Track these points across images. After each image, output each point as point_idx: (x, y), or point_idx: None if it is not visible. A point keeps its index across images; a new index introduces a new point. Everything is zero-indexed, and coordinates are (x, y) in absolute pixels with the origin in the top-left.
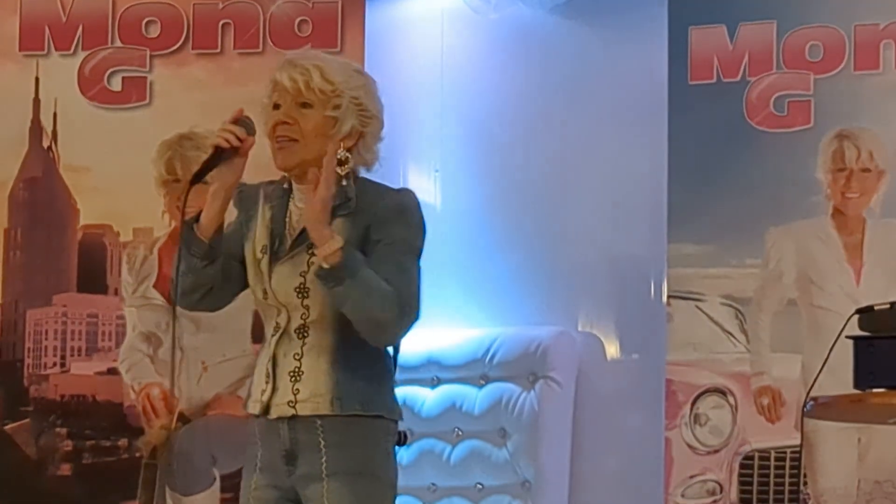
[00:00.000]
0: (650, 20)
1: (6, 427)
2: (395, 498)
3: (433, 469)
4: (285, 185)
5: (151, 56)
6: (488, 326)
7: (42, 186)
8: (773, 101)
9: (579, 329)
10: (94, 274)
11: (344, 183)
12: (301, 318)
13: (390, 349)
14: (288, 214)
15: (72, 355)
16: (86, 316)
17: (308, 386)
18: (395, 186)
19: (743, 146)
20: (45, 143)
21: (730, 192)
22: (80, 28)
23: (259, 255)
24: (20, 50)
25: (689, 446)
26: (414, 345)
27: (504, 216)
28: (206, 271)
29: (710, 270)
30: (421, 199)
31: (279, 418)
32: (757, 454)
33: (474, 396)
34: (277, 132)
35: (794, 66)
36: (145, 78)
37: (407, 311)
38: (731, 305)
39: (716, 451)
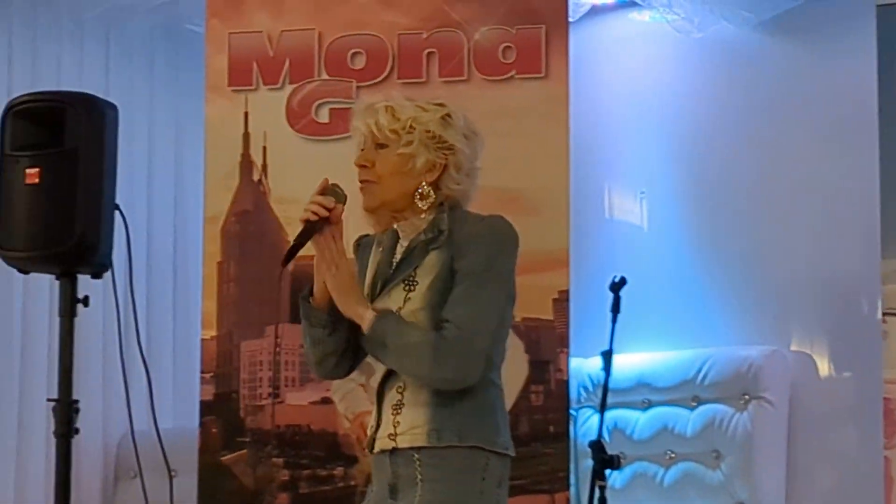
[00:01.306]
0: (858, 34)
1: (224, 458)
2: None
3: (646, 492)
4: (392, 228)
5: (358, 87)
6: (698, 347)
7: (253, 219)
8: None
9: (791, 348)
10: None
11: (424, 213)
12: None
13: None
14: (395, 255)
15: (286, 385)
16: (298, 346)
17: (407, 418)
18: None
19: None
20: (256, 177)
21: None
22: (287, 62)
23: (366, 296)
24: (229, 85)
25: None
26: (624, 367)
27: (712, 235)
28: (332, 339)
29: None
30: (627, 219)
31: (382, 451)
32: None
33: (686, 418)
34: (359, 176)
35: None
36: (352, 109)
37: (461, 350)
38: None
39: None
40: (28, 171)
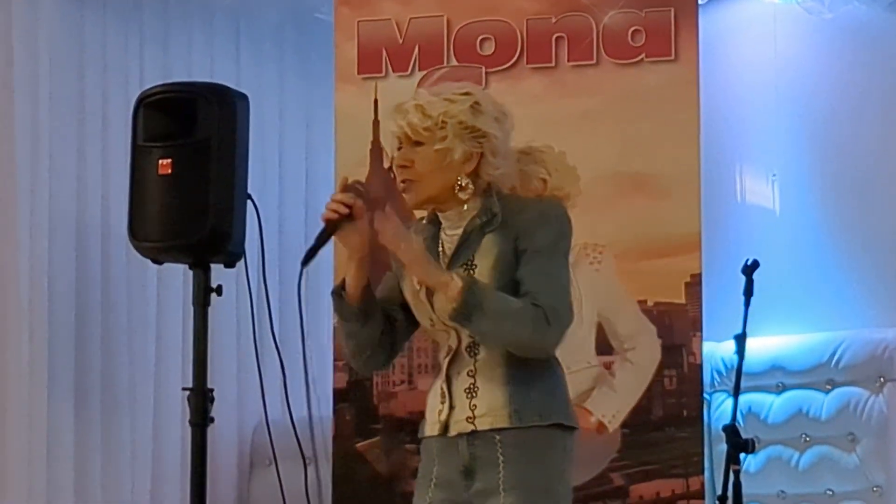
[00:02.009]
0: None
1: (358, 445)
2: None
3: (782, 476)
4: (433, 217)
5: (487, 73)
6: (832, 330)
7: (384, 207)
8: None
9: None
10: None
11: (466, 203)
12: (470, 336)
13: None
14: (440, 243)
15: (418, 372)
16: None
17: (485, 401)
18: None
19: None
20: (386, 164)
21: None
22: (417, 49)
23: (417, 286)
24: (359, 73)
25: None
26: (758, 351)
27: (844, 217)
28: (365, 331)
29: None
30: (759, 202)
31: (459, 435)
32: None
33: (821, 401)
34: (399, 176)
35: None
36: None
37: (553, 320)
38: None
39: None
40: (161, 161)
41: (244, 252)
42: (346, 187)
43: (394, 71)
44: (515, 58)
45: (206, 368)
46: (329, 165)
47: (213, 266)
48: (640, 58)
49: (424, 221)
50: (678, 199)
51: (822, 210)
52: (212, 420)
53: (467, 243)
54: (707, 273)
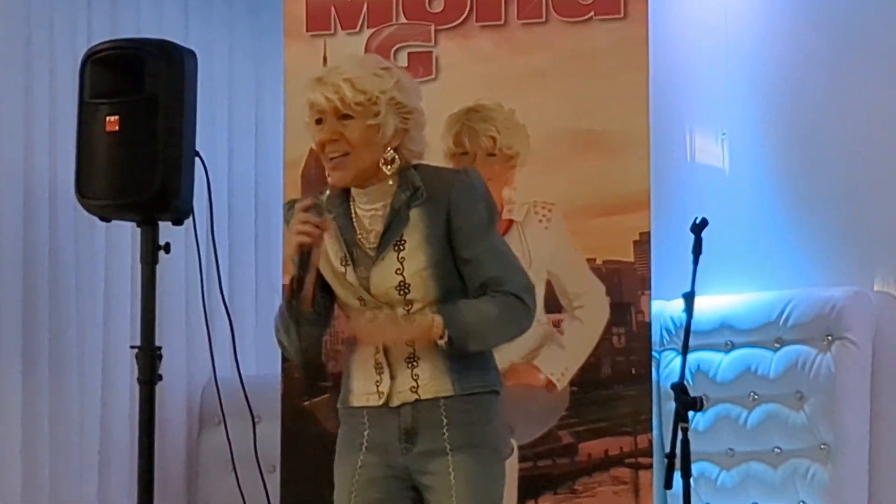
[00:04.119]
0: None
1: (306, 403)
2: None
3: (730, 434)
4: (338, 193)
5: (436, 30)
6: (781, 289)
7: None
8: None
9: (875, 288)
10: None
11: (390, 178)
12: (405, 309)
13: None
14: (354, 219)
15: None
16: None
17: (427, 370)
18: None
19: None
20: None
21: None
22: (366, 6)
23: (341, 267)
24: (308, 30)
25: None
26: (706, 310)
27: (793, 176)
28: (317, 327)
29: None
30: (708, 161)
31: (403, 404)
32: None
33: (769, 360)
34: (327, 150)
35: None
36: (431, 53)
37: (528, 301)
38: None
39: None
40: (108, 118)
41: (192, 209)
42: (307, 207)
43: (342, 28)
44: (465, 15)
45: (154, 326)
46: (278, 123)
47: (161, 224)
48: (589, 16)
49: (328, 193)
50: (627, 158)
51: (771, 169)
52: (160, 378)
53: (397, 220)
54: (656, 231)
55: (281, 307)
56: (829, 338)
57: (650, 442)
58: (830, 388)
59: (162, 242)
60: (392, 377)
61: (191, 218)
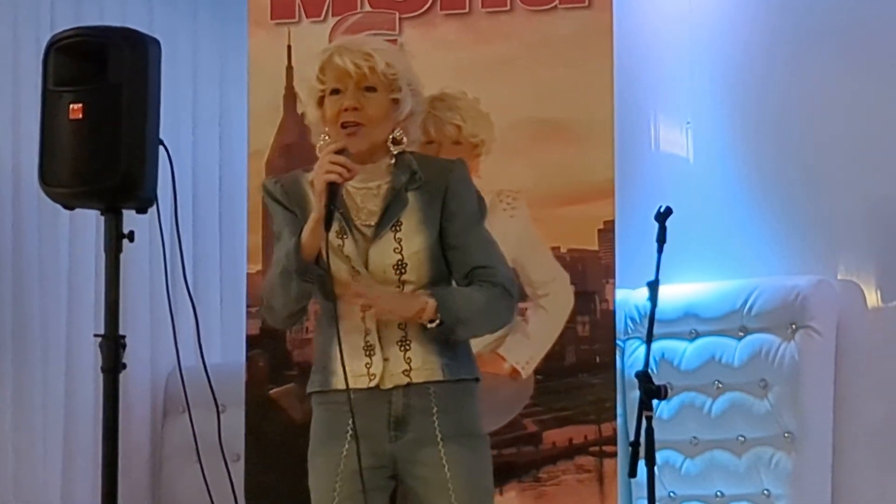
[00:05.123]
0: None
1: (271, 392)
2: None
3: (694, 422)
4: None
5: (401, 19)
6: (745, 278)
7: (298, 153)
8: None
9: (839, 277)
10: None
11: (388, 158)
12: (398, 290)
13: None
14: (345, 195)
15: None
16: None
17: (419, 354)
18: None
19: None
20: (300, 110)
21: None
22: None
23: (337, 239)
24: (272, 19)
25: None
26: (671, 298)
27: (758, 165)
28: (311, 292)
29: None
30: (673, 150)
31: (395, 387)
32: None
33: (734, 348)
34: (343, 118)
35: None
36: (395, 41)
37: (513, 292)
38: None
39: None
40: (72, 106)
41: (156, 198)
42: (339, 150)
43: (307, 16)
44: (429, 4)
45: (118, 315)
46: (242, 111)
47: (125, 212)
48: (553, 4)
49: (347, 152)
50: (592, 147)
51: (735, 158)
52: (124, 367)
53: (397, 200)
54: (621, 220)
55: (284, 263)
56: (794, 326)
57: (614, 430)
58: (794, 377)
59: (126, 231)
60: (385, 359)
61: (155, 206)
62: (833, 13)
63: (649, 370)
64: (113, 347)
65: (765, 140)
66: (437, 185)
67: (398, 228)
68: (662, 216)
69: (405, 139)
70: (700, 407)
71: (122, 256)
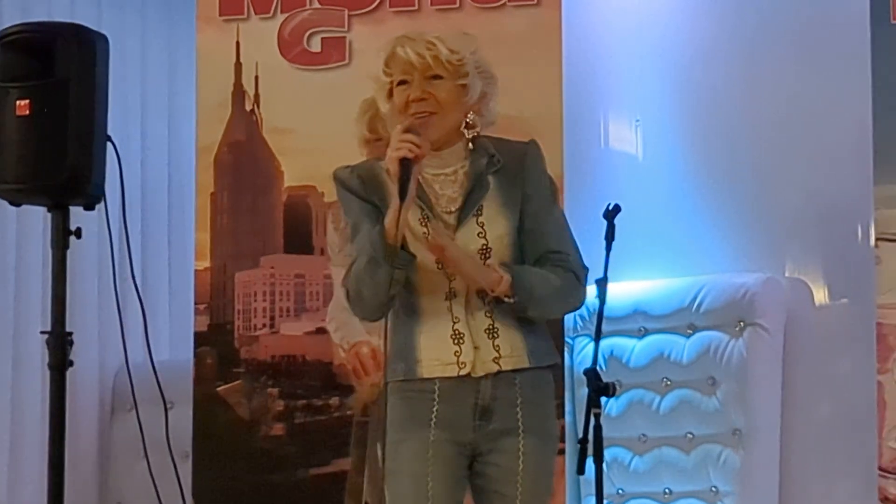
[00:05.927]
0: None
1: (219, 389)
2: None
3: (642, 419)
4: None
5: (350, 16)
6: (694, 275)
7: (246, 150)
8: None
9: (786, 275)
10: (299, 235)
11: (463, 143)
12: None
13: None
14: (423, 182)
15: (280, 316)
16: (293, 276)
17: (507, 341)
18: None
19: None
20: (248, 107)
21: None
22: None
23: (420, 227)
24: (220, 15)
25: None
26: (620, 296)
27: (706, 163)
28: (402, 278)
29: None
30: (622, 148)
31: (485, 376)
32: None
33: (682, 345)
34: (412, 109)
35: None
36: (344, 38)
37: (583, 280)
38: None
39: None
40: (18, 102)
41: (104, 194)
42: (409, 129)
43: (255, 13)
44: (378, 1)
45: (65, 311)
46: (191, 107)
47: (73, 208)
48: (503, 2)
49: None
50: (541, 143)
51: (684, 155)
52: (71, 364)
53: (480, 185)
54: (569, 217)
55: (370, 251)
56: (742, 324)
57: (563, 428)
58: (742, 374)
59: (74, 227)
60: (475, 347)
61: (103, 203)
62: (781, 12)
63: (598, 367)
64: (60, 344)
65: (714, 138)
66: (514, 167)
67: (480, 213)
68: (611, 213)
69: (478, 123)
70: (648, 404)
71: (69, 253)
